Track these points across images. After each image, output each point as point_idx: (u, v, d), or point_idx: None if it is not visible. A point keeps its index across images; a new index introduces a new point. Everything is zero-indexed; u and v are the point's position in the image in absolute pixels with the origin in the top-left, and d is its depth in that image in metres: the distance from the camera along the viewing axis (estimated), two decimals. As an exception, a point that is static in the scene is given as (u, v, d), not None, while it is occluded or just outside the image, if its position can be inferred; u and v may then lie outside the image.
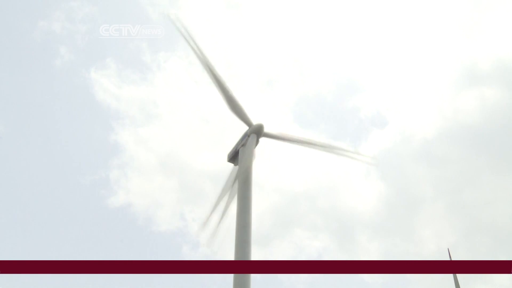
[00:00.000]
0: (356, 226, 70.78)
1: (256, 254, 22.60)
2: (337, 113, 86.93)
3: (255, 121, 26.87)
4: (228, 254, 23.05)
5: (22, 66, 75.13)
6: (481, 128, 71.98)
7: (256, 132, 26.25)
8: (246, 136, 26.18)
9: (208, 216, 25.54)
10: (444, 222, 67.81)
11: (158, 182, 73.25)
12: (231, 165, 27.31)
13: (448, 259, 30.44)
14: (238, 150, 26.29)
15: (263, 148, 26.96)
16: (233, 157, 26.82)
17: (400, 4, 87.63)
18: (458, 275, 29.56)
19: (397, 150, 76.81)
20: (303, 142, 27.52)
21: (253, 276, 21.99)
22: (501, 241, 63.31)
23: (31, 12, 77.72)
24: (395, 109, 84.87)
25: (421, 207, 68.95)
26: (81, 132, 76.93)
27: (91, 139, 77.07)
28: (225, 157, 27.83)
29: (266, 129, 26.68)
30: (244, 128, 27.00)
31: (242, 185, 24.67)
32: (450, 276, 30.02)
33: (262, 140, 26.76)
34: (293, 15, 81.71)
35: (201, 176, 72.49)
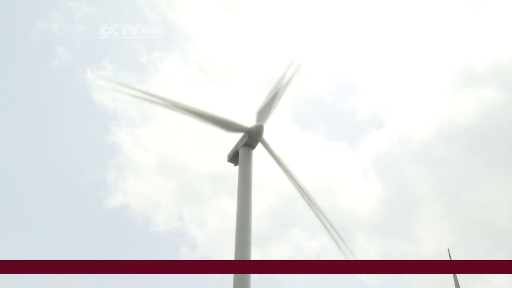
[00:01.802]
0: (355, 226, 70.85)
1: (255, 254, 22.61)
2: (335, 114, 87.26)
3: (251, 123, 26.74)
4: (228, 254, 23.04)
5: (20, 66, 75.03)
6: (478, 129, 72.29)
7: (256, 132, 26.19)
8: (246, 136, 26.14)
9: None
10: (442, 222, 68.02)
11: (156, 183, 73.15)
12: (231, 165, 27.31)
13: (448, 259, 30.50)
14: (238, 150, 26.28)
15: (262, 149, 26.94)
16: (233, 157, 26.81)
17: (397, 6, 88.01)
18: (457, 275, 29.59)
19: (394, 151, 77.07)
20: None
21: (253, 276, 21.98)
22: (499, 241, 63.57)
23: (30, 12, 77.63)
24: (392, 110, 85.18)
25: (419, 208, 69.13)
26: (78, 133, 76.74)
27: (88, 140, 76.90)
28: (223, 158, 27.94)
29: (264, 129, 26.60)
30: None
31: (242, 185, 24.66)
32: (450, 276, 30.07)
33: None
34: (291, 16, 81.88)
35: (199, 177, 72.51)
